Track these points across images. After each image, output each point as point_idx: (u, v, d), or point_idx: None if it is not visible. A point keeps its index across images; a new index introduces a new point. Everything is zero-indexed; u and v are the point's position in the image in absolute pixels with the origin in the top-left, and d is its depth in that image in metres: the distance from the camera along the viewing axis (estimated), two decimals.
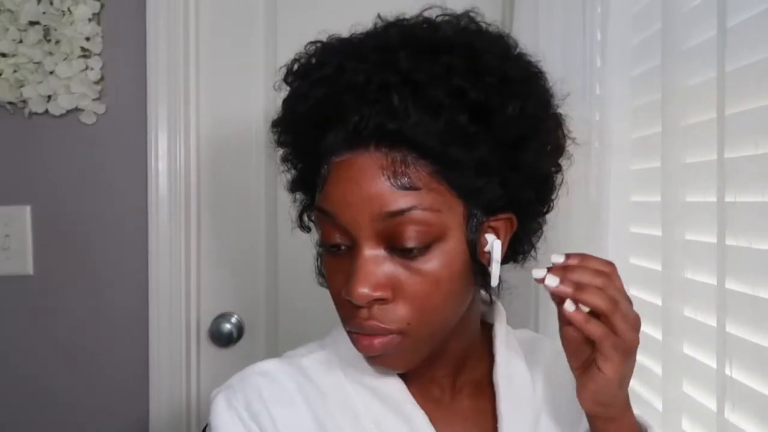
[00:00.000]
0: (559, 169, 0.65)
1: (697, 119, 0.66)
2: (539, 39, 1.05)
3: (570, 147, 0.67)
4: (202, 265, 1.39)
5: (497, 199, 0.59)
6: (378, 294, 0.56)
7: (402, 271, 0.56)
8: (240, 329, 1.39)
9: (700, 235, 0.66)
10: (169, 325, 1.33)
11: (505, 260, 0.65)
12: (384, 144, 0.55)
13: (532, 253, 0.67)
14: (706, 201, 0.64)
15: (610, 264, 0.55)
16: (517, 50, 0.62)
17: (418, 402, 0.64)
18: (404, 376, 0.65)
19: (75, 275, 1.36)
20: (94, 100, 1.31)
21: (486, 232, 0.60)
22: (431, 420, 0.63)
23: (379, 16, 0.62)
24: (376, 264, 0.56)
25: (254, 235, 1.37)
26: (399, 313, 0.56)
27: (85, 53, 1.30)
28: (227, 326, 1.38)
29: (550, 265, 0.56)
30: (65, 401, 1.36)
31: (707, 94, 0.62)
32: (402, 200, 0.54)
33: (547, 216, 0.67)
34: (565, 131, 0.66)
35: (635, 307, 0.55)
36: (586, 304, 0.53)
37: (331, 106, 0.56)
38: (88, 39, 1.30)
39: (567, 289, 0.53)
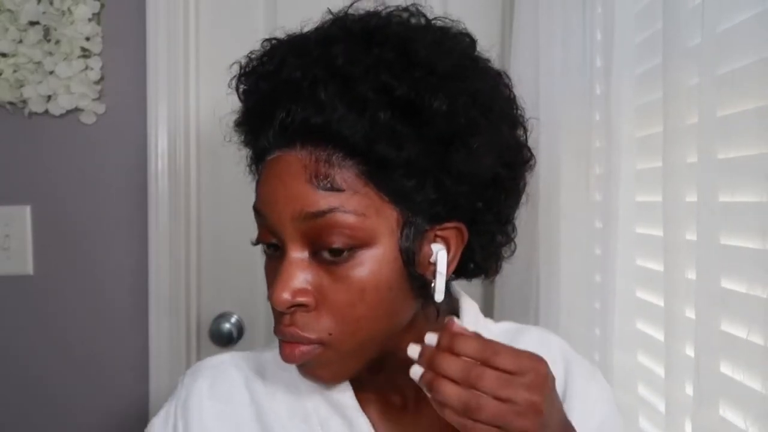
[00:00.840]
0: (513, 174, 0.60)
1: (698, 119, 0.66)
2: (539, 39, 1.05)
3: (535, 154, 0.63)
4: (202, 265, 1.39)
5: (432, 204, 0.55)
6: (299, 300, 0.54)
7: (326, 277, 0.54)
8: (240, 329, 1.39)
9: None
10: (169, 325, 1.33)
11: (465, 273, 0.62)
12: (310, 142, 0.53)
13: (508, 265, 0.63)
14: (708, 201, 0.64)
15: (488, 346, 0.49)
16: (462, 44, 0.59)
17: (379, 410, 0.63)
18: (361, 384, 0.62)
19: (75, 275, 1.36)
20: (94, 100, 1.31)
21: (433, 241, 0.57)
22: (390, 428, 0.62)
23: (329, 11, 0.60)
24: (300, 268, 0.54)
25: (254, 235, 1.36)
26: (321, 322, 0.54)
27: (85, 53, 1.30)
28: (227, 326, 1.37)
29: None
30: (65, 401, 1.36)
31: (708, 94, 0.61)
32: (323, 201, 0.52)
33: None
34: (524, 135, 0.62)
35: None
36: (439, 403, 0.49)
37: (269, 102, 0.55)
38: (88, 39, 1.30)
39: (425, 388, 0.49)
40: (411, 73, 0.53)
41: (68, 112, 1.32)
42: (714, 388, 0.60)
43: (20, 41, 1.29)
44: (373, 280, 0.54)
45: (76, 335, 1.36)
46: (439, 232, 0.57)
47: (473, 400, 0.48)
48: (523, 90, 0.66)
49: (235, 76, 0.61)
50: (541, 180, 1.01)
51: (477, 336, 0.51)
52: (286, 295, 0.53)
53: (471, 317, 0.66)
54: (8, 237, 1.35)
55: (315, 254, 0.54)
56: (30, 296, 1.36)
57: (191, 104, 1.35)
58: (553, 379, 0.52)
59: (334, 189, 0.52)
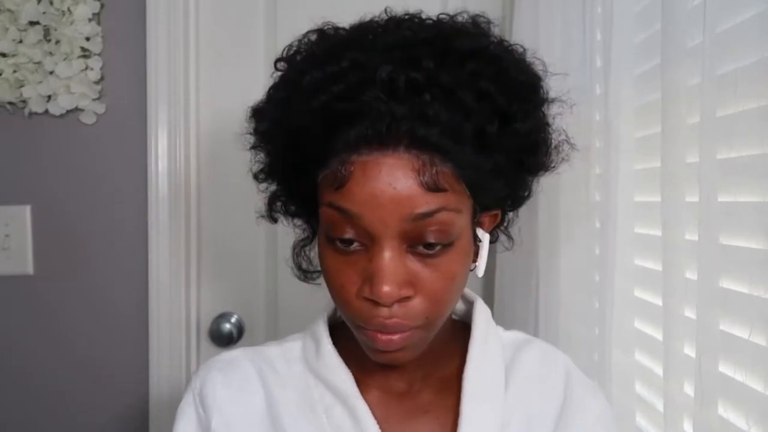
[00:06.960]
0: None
1: (698, 119, 0.66)
2: (539, 39, 1.05)
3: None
4: (202, 265, 1.39)
5: (499, 199, 0.62)
6: (404, 293, 0.56)
7: (422, 268, 0.57)
8: (240, 329, 1.39)
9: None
10: (169, 326, 1.33)
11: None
12: (415, 145, 0.54)
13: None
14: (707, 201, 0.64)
15: None
16: (522, 55, 0.64)
17: (378, 394, 0.67)
18: (365, 372, 0.67)
19: (75, 275, 1.36)
20: (94, 100, 1.31)
21: (477, 226, 0.63)
22: (388, 412, 0.66)
23: (386, 12, 0.62)
24: (400, 262, 0.56)
25: (254, 235, 1.37)
26: (419, 308, 0.57)
27: (85, 53, 1.30)
28: (227, 326, 1.38)
29: None
30: (65, 401, 1.36)
31: (708, 94, 0.61)
32: (432, 201, 0.55)
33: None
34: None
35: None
36: None
37: (353, 103, 0.53)
38: (88, 39, 1.30)
39: None
40: (504, 84, 0.57)
41: (68, 112, 1.32)
42: (714, 388, 0.60)
43: (20, 41, 1.29)
44: (461, 267, 0.59)
45: (76, 335, 1.36)
46: (482, 218, 0.64)
47: None
48: None
49: (279, 72, 0.64)
50: (541, 180, 1.01)
51: None
52: (393, 290, 0.56)
53: (482, 321, 0.71)
54: (8, 237, 1.35)
55: (411, 247, 0.57)
56: (30, 296, 1.36)
57: (191, 104, 1.35)
58: None
59: (440, 189, 0.55)
